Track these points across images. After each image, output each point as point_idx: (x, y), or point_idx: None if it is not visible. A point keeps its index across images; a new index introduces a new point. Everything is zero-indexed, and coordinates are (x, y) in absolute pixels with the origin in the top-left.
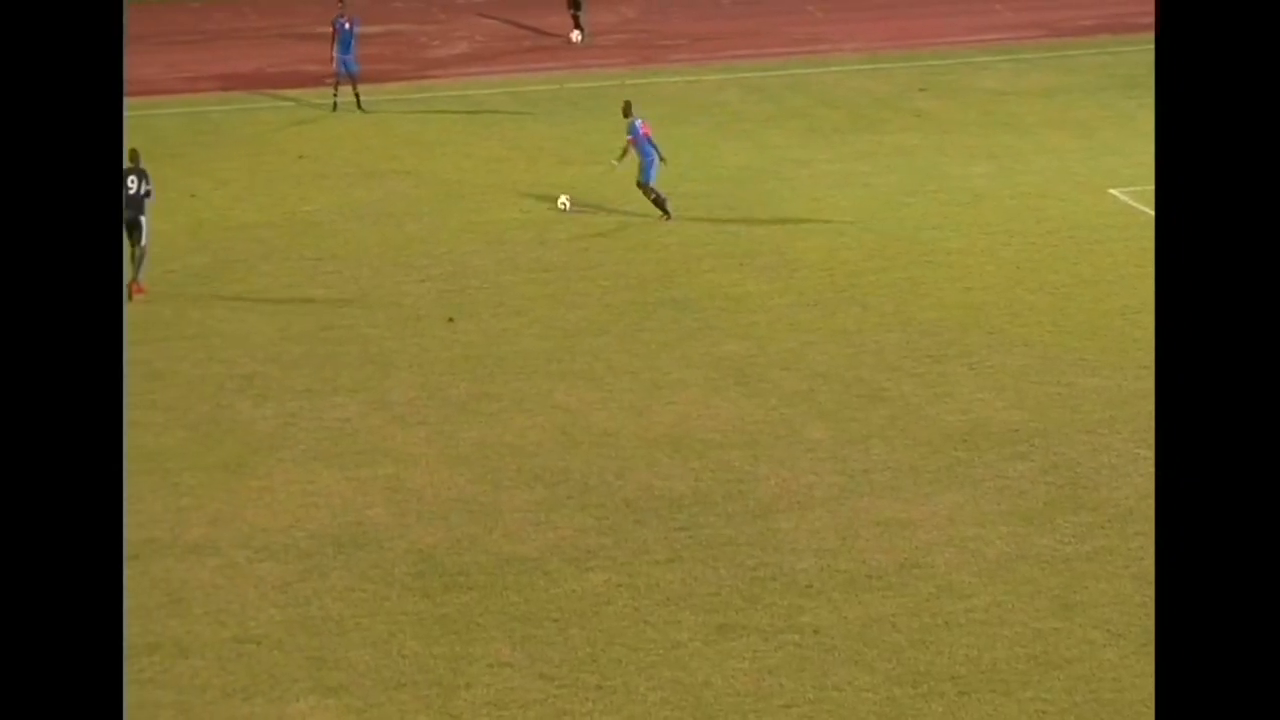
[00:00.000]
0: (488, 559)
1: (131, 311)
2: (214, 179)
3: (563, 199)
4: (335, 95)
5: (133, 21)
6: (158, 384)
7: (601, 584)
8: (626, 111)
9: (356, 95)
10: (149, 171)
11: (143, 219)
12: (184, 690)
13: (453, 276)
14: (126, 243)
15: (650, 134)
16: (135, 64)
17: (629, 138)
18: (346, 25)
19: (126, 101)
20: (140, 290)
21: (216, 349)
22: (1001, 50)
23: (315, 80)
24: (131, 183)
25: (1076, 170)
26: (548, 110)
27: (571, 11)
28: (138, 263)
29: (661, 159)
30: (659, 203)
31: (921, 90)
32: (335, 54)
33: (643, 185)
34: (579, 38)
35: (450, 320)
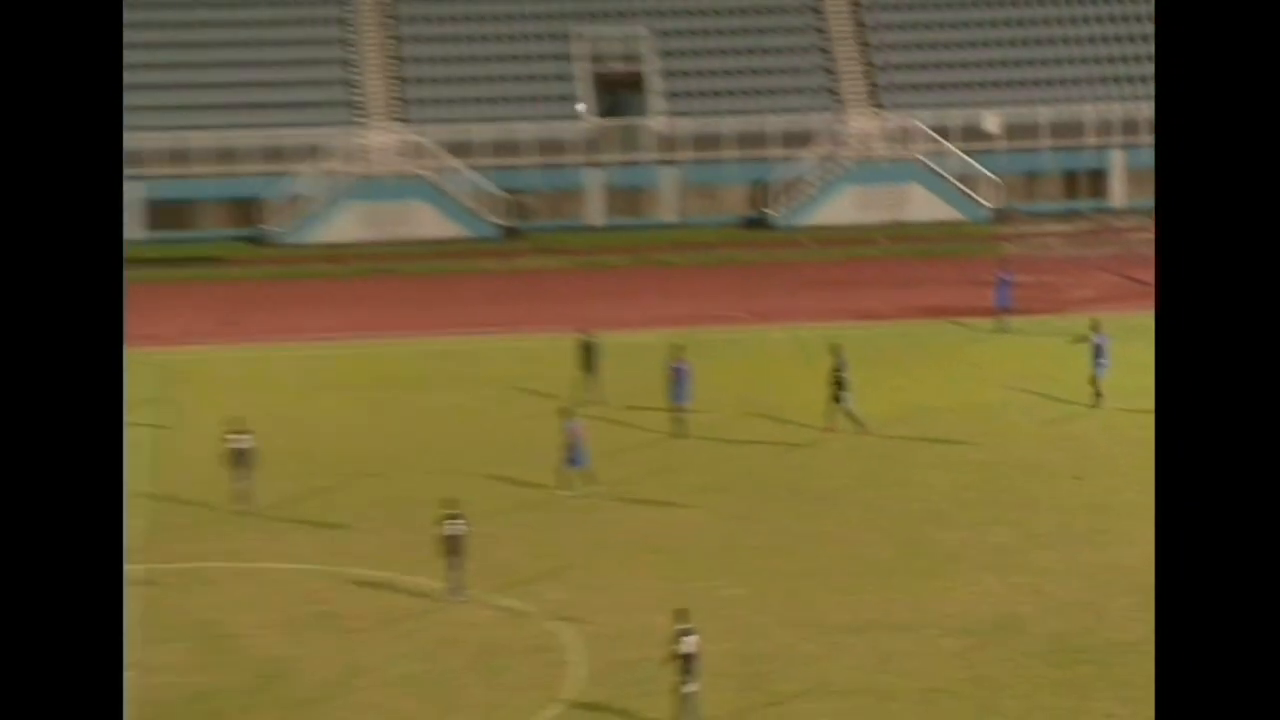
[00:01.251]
0: None
1: (857, 468)
2: (911, 377)
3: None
4: (998, 323)
5: (854, 269)
6: (872, 513)
7: None
8: (1095, 327)
9: (1004, 323)
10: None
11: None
12: None
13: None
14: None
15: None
16: (861, 298)
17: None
18: (1006, 277)
19: (850, 325)
20: (833, 430)
21: (912, 490)
22: None
23: (986, 312)
24: (841, 371)
25: None
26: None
27: None
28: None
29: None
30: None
31: None
32: (997, 294)
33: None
34: None
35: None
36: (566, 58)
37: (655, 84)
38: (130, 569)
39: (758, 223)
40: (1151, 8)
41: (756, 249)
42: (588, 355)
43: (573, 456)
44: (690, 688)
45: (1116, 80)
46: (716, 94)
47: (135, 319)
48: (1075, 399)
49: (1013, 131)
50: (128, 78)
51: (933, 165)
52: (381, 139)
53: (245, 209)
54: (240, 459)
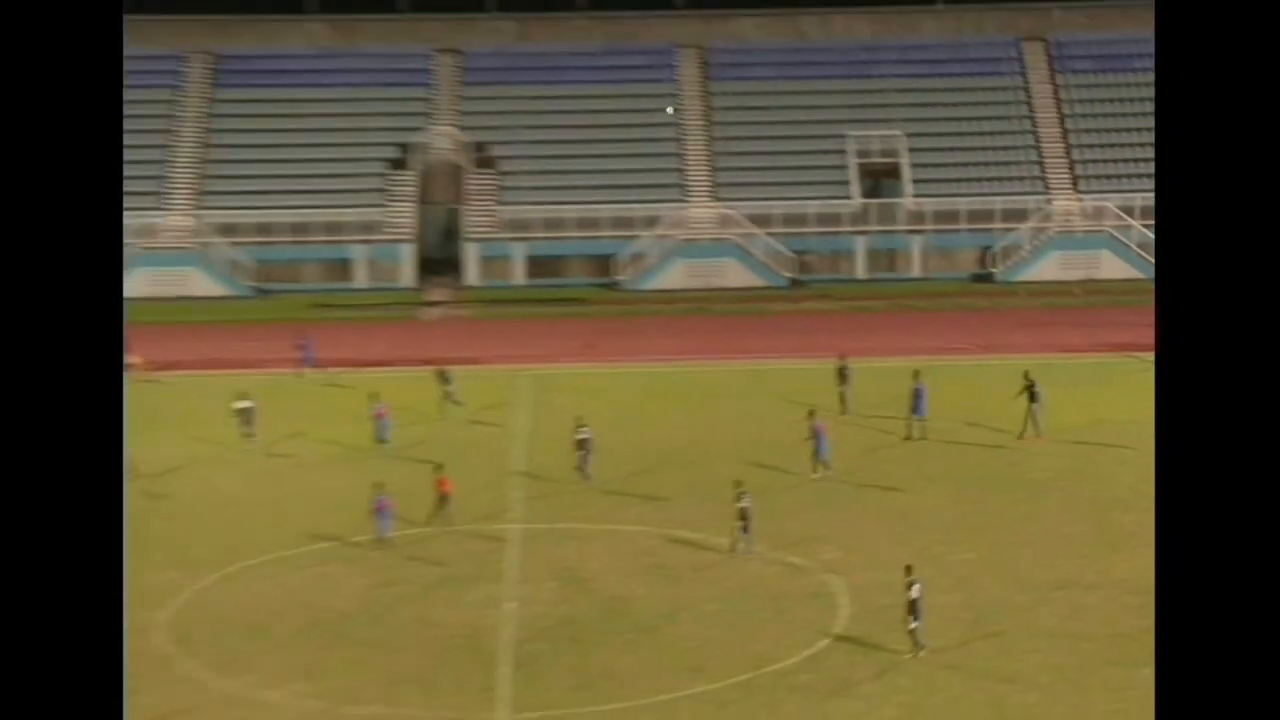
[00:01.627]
0: None
1: (1056, 465)
2: (1099, 396)
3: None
4: None
5: (1057, 315)
6: (1069, 499)
7: None
8: None
9: None
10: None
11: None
12: (1070, 657)
13: None
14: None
15: None
16: (1062, 336)
17: None
18: None
19: (1053, 356)
20: (1038, 438)
21: (1100, 482)
22: None
23: None
24: (1033, 387)
25: None
26: None
27: None
28: (1036, 419)
29: None
30: None
31: None
32: None
33: None
34: None
35: None
36: (841, 153)
37: (907, 173)
38: (509, 528)
39: (984, 278)
40: None
41: (982, 298)
42: (843, 375)
43: (816, 448)
44: (915, 624)
45: None
46: (953, 180)
47: (518, 345)
48: None
49: None
50: (516, 165)
51: (1119, 236)
52: (702, 212)
53: (601, 263)
54: (582, 446)
